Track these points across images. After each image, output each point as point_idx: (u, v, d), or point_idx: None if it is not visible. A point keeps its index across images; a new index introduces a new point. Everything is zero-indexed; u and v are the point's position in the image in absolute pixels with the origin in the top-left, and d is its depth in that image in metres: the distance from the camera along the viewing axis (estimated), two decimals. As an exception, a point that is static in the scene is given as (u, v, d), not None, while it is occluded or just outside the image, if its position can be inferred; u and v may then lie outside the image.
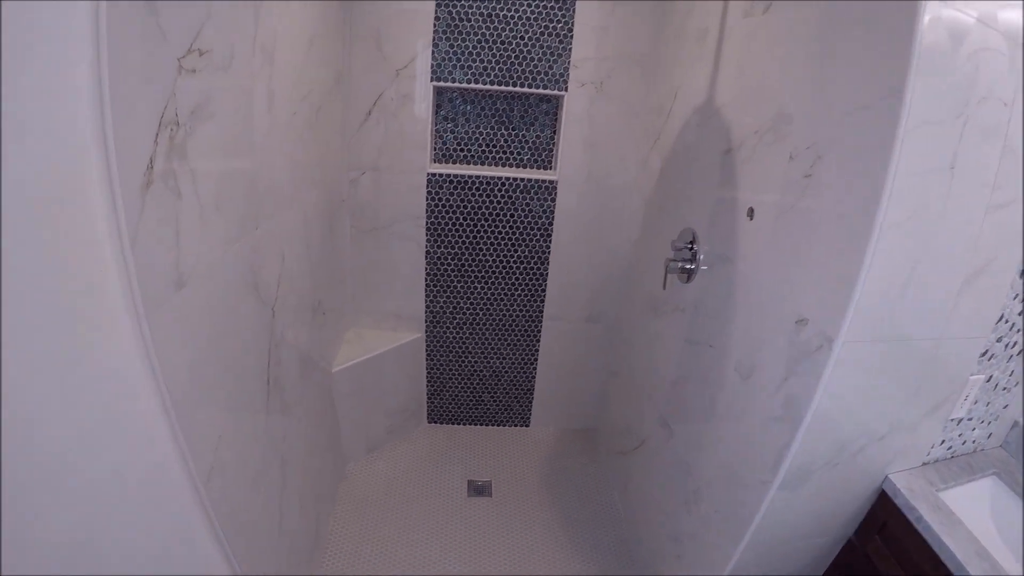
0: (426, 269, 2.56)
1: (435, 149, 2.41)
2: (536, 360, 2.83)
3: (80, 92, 0.73)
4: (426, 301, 2.63)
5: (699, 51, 1.88)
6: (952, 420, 1.48)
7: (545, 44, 2.20)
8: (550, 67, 2.23)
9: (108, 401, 0.84)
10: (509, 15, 2.15)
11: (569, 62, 2.23)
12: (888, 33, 1.04)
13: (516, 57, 2.21)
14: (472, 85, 2.24)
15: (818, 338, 1.22)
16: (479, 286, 2.62)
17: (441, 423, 2.95)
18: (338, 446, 2.43)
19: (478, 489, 2.54)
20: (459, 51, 2.18)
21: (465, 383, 2.86)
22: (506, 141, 2.42)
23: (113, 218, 0.79)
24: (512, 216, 2.48)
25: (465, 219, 2.47)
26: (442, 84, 2.23)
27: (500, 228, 2.50)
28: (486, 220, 2.48)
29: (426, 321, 2.67)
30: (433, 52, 2.18)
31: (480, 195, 2.43)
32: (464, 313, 2.68)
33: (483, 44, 2.18)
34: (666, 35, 2.19)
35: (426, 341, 2.72)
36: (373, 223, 2.44)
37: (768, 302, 1.42)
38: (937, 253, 1.17)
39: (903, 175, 1.04)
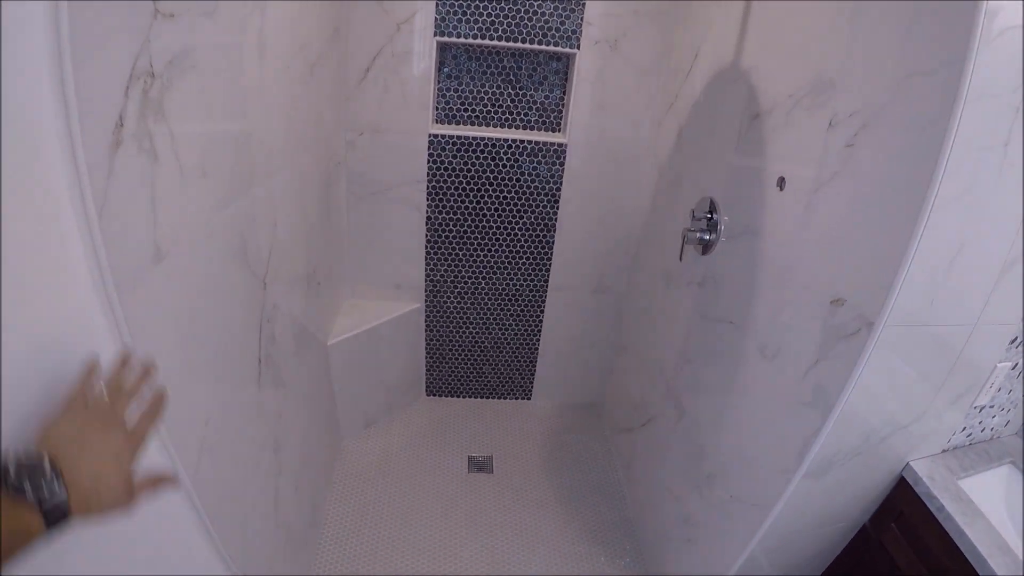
0: (427, 236, 2.46)
1: (437, 109, 2.28)
2: (539, 331, 2.76)
3: (32, 33, 0.61)
4: (426, 270, 2.54)
5: (725, 8, 1.76)
6: (975, 407, 1.44)
7: (557, -2, 2.06)
8: (562, 23, 2.10)
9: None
10: (519, -35, 2.01)
11: (582, 18, 2.10)
12: None
13: (526, 11, 2.07)
14: (478, 41, 2.11)
15: (856, 321, 1.16)
16: (482, 254, 2.53)
17: (440, 396, 2.89)
18: (334, 422, 2.38)
19: (479, 465, 2.50)
20: (465, 4, 2.04)
21: (466, 355, 2.79)
22: (513, 101, 2.30)
23: (76, 185, 0.69)
24: (518, 181, 2.38)
25: (468, 183, 2.36)
26: (446, 39, 2.09)
27: (505, 193, 2.40)
28: (490, 185, 2.37)
29: (426, 290, 2.59)
30: (437, 5, 2.04)
31: (484, 158, 2.32)
32: (466, 282, 2.59)
33: (490, -4, 2.05)
34: (689, -10, 2.06)
35: (426, 311, 2.65)
36: (371, 187, 2.33)
37: (799, 279, 1.35)
38: (984, 234, 1.10)
39: (959, 149, 0.96)
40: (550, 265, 2.59)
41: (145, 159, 0.82)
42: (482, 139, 2.28)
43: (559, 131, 2.36)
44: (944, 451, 1.49)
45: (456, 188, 2.37)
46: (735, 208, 1.65)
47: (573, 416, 2.88)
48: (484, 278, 2.59)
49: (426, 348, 2.75)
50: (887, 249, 1.08)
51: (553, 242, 2.53)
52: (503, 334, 2.75)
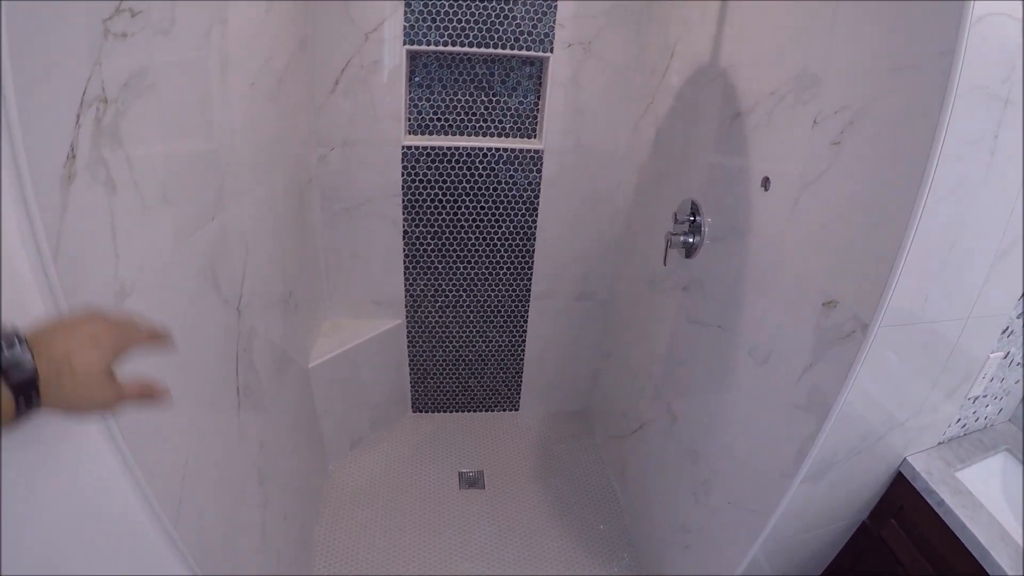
0: (404, 250, 2.42)
1: (410, 120, 2.24)
2: (524, 341, 2.73)
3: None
4: (405, 285, 2.50)
5: (700, 5, 1.74)
6: (969, 398, 1.44)
7: (528, 2, 2.03)
8: (533, 27, 2.07)
9: (47, 449, 0.71)
10: (488, -31, 1.98)
11: (555, 21, 2.07)
12: None
13: (496, 16, 2.04)
14: (448, 48, 2.07)
15: (851, 323, 1.14)
16: (462, 266, 2.49)
17: (427, 412, 2.85)
18: (319, 444, 2.32)
19: (470, 481, 2.45)
20: (434, 11, 2.01)
21: (450, 369, 2.75)
22: (486, 108, 2.26)
23: (27, 224, 0.63)
24: (495, 189, 2.34)
25: (444, 194, 2.33)
26: (416, 48, 2.05)
27: (482, 203, 2.36)
28: (467, 195, 2.34)
29: (406, 306, 2.55)
30: (406, 12, 2.00)
31: (460, 168, 2.28)
32: (446, 295, 2.55)
33: (460, 3, 2.00)
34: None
35: (407, 327, 2.60)
36: (345, 203, 2.28)
37: (788, 282, 1.33)
38: (976, 228, 1.10)
39: (951, 144, 0.95)
40: (531, 274, 2.56)
41: (102, 190, 0.77)
42: (457, 149, 2.24)
43: (535, 137, 2.33)
44: (940, 443, 1.49)
45: (432, 200, 2.33)
46: (719, 210, 1.63)
47: (563, 425, 2.85)
48: (465, 290, 2.55)
49: (410, 364, 2.70)
50: (879, 248, 1.06)
51: (533, 251, 2.50)
52: (487, 346, 2.72)
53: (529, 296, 2.61)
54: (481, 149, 2.26)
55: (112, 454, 0.79)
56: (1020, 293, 1.30)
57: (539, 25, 2.06)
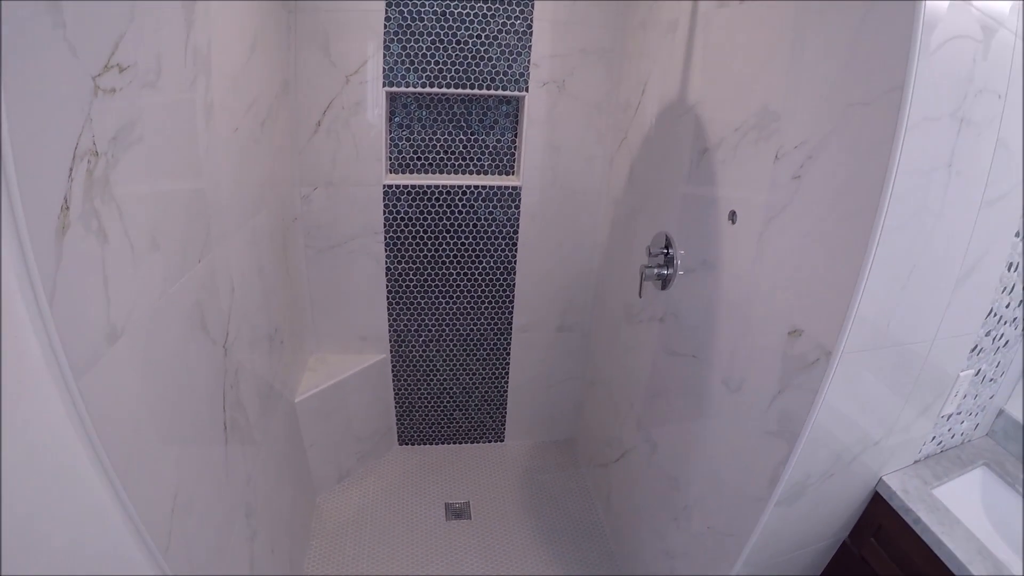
0: (387, 287, 2.45)
1: (390, 159, 2.29)
2: (507, 373, 2.76)
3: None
4: (389, 320, 2.52)
5: (669, 43, 1.79)
6: (943, 416, 1.47)
7: (503, 42, 2.10)
8: (509, 67, 2.14)
9: (42, 484, 0.73)
10: (464, 13, 2.04)
11: (529, 60, 2.14)
12: (886, 22, 0.98)
13: (473, 57, 2.10)
14: (427, 89, 2.13)
15: (814, 351, 1.16)
16: (444, 301, 2.52)
17: (413, 444, 2.85)
18: (307, 478, 2.32)
19: (456, 512, 2.45)
20: (412, 53, 2.07)
21: (435, 402, 2.76)
22: (465, 147, 2.32)
23: (25, 274, 0.67)
24: (475, 226, 2.39)
25: (426, 232, 2.37)
26: (395, 89, 2.11)
27: (463, 239, 2.41)
28: (448, 231, 2.38)
29: (390, 341, 2.57)
30: (385, 55, 2.06)
31: (440, 206, 2.33)
32: (430, 330, 2.58)
33: (437, 45, 2.07)
34: (632, 25, 2.11)
35: (392, 361, 2.62)
36: (329, 241, 2.32)
37: (756, 312, 1.36)
38: (935, 254, 1.13)
39: (904, 174, 0.98)
40: (513, 307, 2.59)
41: (94, 240, 0.80)
42: (437, 187, 2.29)
43: (513, 174, 2.38)
44: (916, 462, 1.51)
45: (414, 237, 2.37)
46: (690, 242, 1.66)
47: (548, 455, 2.86)
48: (448, 324, 2.58)
49: (395, 398, 2.71)
50: (839, 279, 1.09)
51: (514, 284, 2.54)
52: (471, 379, 2.73)
53: (511, 329, 2.64)
54: (461, 187, 2.30)
55: (103, 486, 0.82)
56: (986, 312, 1.34)
57: (514, 65, 2.13)
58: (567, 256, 2.52)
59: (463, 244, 2.41)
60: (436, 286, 2.48)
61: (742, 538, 1.41)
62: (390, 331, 2.54)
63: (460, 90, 2.14)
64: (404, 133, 2.26)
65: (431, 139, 2.28)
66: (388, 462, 2.72)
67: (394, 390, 2.69)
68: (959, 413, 1.51)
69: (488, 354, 2.68)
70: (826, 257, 1.14)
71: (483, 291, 2.53)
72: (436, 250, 2.41)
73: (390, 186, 2.26)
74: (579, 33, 2.14)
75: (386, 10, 2.00)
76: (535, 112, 2.23)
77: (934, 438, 1.50)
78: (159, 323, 1.02)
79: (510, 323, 2.62)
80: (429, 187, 2.29)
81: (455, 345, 2.63)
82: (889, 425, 1.35)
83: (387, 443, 2.78)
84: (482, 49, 2.10)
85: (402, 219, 2.32)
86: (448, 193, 2.31)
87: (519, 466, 2.77)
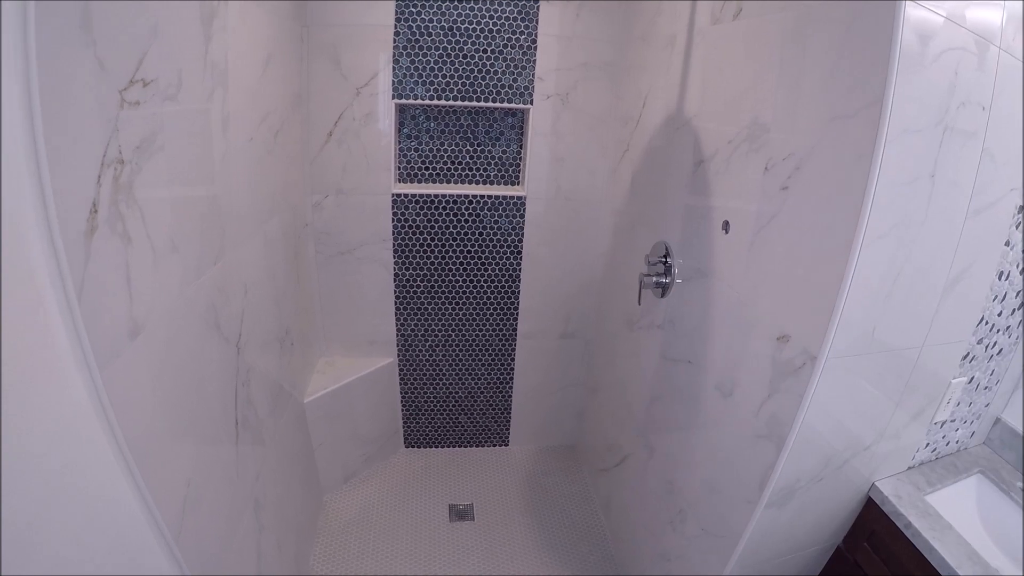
0: (395, 292, 2.50)
1: (399, 169, 2.35)
2: (512, 379, 2.80)
3: (11, 135, 0.66)
4: (397, 325, 2.57)
5: (667, 58, 1.84)
6: (936, 423, 1.48)
7: (508, 57, 2.16)
8: (514, 80, 2.20)
9: (64, 464, 0.79)
10: (471, 28, 2.11)
11: (534, 74, 2.20)
12: (865, 39, 1.02)
13: (479, 71, 2.17)
14: (435, 101, 2.19)
15: (801, 356, 1.19)
16: (450, 307, 2.57)
17: (419, 447, 2.89)
18: (314, 477, 2.37)
19: (460, 513, 2.49)
20: (420, 67, 2.14)
21: (441, 406, 2.81)
22: (472, 157, 2.38)
23: (56, 271, 0.73)
24: (481, 234, 2.44)
25: (433, 239, 2.42)
26: (404, 101, 2.18)
27: (469, 247, 2.46)
28: (454, 239, 2.44)
29: (398, 345, 2.62)
30: (394, 69, 2.13)
31: (447, 214, 2.38)
32: (436, 335, 2.63)
33: (445, 59, 2.14)
34: (633, 40, 2.16)
35: (399, 365, 2.67)
36: (339, 247, 2.38)
37: (747, 318, 1.40)
38: (919, 262, 1.15)
39: (884, 186, 1.01)
40: (517, 314, 2.63)
41: (119, 241, 0.87)
42: (444, 196, 2.35)
43: (518, 184, 2.44)
44: (910, 468, 1.52)
45: (421, 245, 2.42)
46: (687, 251, 1.70)
47: (551, 460, 2.89)
48: (454, 330, 2.63)
49: (402, 401, 2.76)
50: (823, 286, 1.12)
51: (519, 292, 2.58)
52: (476, 383, 2.78)
53: (516, 335, 2.68)
54: (467, 196, 2.36)
55: (121, 471, 0.88)
56: (977, 320, 1.36)
57: (519, 79, 2.19)
58: (570, 265, 2.57)
59: (469, 252, 2.47)
60: (443, 292, 2.53)
61: (733, 540, 1.43)
62: (398, 336, 2.59)
63: (467, 102, 2.20)
64: (412, 144, 2.32)
65: (438, 150, 2.34)
66: (394, 464, 2.76)
67: (401, 393, 2.73)
68: (953, 420, 1.52)
69: (493, 360, 2.73)
70: (812, 264, 1.17)
71: (488, 298, 2.57)
72: (443, 257, 2.46)
73: (399, 195, 2.32)
74: (582, 48, 2.20)
75: (395, 25, 2.07)
76: (539, 124, 2.28)
77: (928, 444, 1.52)
78: (176, 321, 1.08)
79: (515, 330, 2.67)
80: (436, 196, 2.34)
81: (461, 350, 2.68)
82: (880, 430, 1.36)
83: (393, 445, 2.82)
84: (488, 63, 2.16)
85: (410, 227, 2.38)
86: (455, 202, 2.36)
87: (522, 470, 2.80)
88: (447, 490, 2.63)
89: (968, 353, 1.41)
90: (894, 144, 0.99)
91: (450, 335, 2.64)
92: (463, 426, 2.88)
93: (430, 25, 2.09)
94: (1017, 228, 1.30)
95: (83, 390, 0.80)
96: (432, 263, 2.47)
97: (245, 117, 1.49)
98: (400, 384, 2.71)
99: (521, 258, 2.51)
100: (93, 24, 0.79)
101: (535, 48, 2.16)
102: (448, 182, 2.40)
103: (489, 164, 2.39)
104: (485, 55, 2.15)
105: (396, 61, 2.11)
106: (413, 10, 2.06)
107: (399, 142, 2.30)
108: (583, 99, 2.28)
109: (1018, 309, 1.45)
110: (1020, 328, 1.50)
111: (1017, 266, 1.37)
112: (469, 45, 2.13)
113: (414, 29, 2.08)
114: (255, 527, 1.51)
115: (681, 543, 1.73)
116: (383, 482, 2.64)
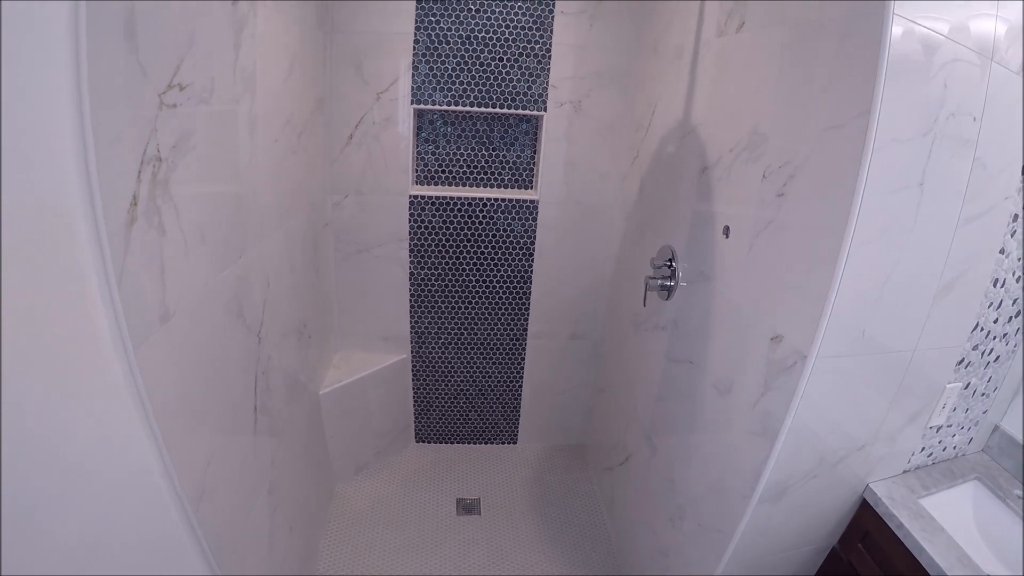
0: (410, 290, 2.57)
1: (416, 171, 2.42)
2: (522, 378, 2.85)
3: (63, 133, 0.74)
4: (411, 322, 2.64)
5: (675, 68, 1.90)
6: (931, 428, 1.50)
7: (523, 65, 2.23)
8: (529, 88, 2.26)
9: (100, 430, 0.86)
10: (487, 37, 2.18)
11: (548, 82, 2.26)
12: (856, 53, 1.06)
13: (495, 78, 2.24)
14: (452, 107, 2.26)
15: (792, 355, 1.23)
16: (463, 306, 2.64)
17: (429, 442, 2.95)
18: (327, 467, 2.43)
19: (467, 507, 2.55)
20: (438, 73, 2.21)
21: (452, 402, 2.87)
22: (487, 162, 2.44)
23: (99, 257, 0.81)
24: (494, 236, 2.50)
25: (448, 240, 2.49)
26: (422, 107, 2.25)
27: (482, 248, 2.52)
28: (468, 240, 2.50)
29: (411, 342, 2.68)
30: (413, 75, 2.20)
31: (462, 216, 2.45)
32: (449, 333, 2.69)
33: (462, 66, 2.21)
34: (644, 51, 2.22)
35: (412, 361, 2.73)
36: (357, 246, 2.45)
37: (745, 319, 1.44)
38: (909, 268, 1.18)
39: (872, 193, 1.05)
40: (528, 315, 2.69)
41: (155, 233, 0.95)
42: (459, 198, 2.42)
43: (531, 188, 2.50)
44: (905, 472, 1.54)
45: (436, 245, 2.49)
46: (691, 255, 1.74)
47: (558, 458, 2.94)
48: (467, 329, 2.69)
49: (414, 396, 2.82)
50: (814, 288, 1.16)
51: (530, 293, 2.64)
52: (487, 381, 2.83)
53: (526, 335, 2.74)
54: (482, 199, 2.43)
55: (149, 442, 0.95)
56: (971, 326, 1.38)
57: (533, 86, 2.26)
58: (581, 267, 2.62)
59: (483, 253, 2.53)
60: (456, 292, 2.60)
61: (728, 535, 1.46)
62: (411, 333, 2.66)
63: (483, 108, 2.27)
64: (430, 147, 2.39)
65: (455, 153, 2.42)
66: (405, 457, 2.83)
67: (413, 389, 2.79)
68: (949, 426, 1.54)
69: (504, 359, 2.79)
70: (804, 268, 1.20)
71: (500, 298, 2.64)
72: (457, 258, 2.53)
73: (415, 196, 2.39)
74: (595, 57, 2.26)
75: (415, 33, 2.14)
76: (553, 130, 2.35)
77: (924, 449, 1.53)
78: (203, 308, 1.16)
79: (525, 330, 2.72)
80: (452, 198, 2.41)
81: (473, 349, 2.74)
82: (873, 431, 1.39)
83: (404, 439, 2.88)
84: (504, 71, 2.23)
85: (426, 228, 2.45)
86: (470, 204, 2.43)
87: (530, 467, 2.85)
88: (455, 485, 2.68)
89: (963, 359, 1.43)
90: (882, 153, 1.03)
91: (462, 333, 2.70)
92: (473, 423, 2.93)
93: (448, 33, 2.16)
94: (1012, 236, 1.32)
95: (118, 367, 0.87)
96: (446, 263, 2.53)
97: (271, 120, 1.57)
98: (412, 380, 2.78)
99: (533, 260, 2.57)
100: (137, 32, 0.87)
101: (549, 57, 2.23)
102: (463, 185, 2.47)
103: (503, 168, 2.46)
104: (501, 63, 2.22)
105: (415, 68, 2.19)
106: (432, 19, 2.14)
107: (417, 145, 2.38)
108: (595, 107, 2.33)
109: (1015, 317, 1.47)
110: (1018, 336, 1.51)
111: (1013, 274, 1.39)
112: (486, 53, 2.20)
113: (433, 37, 2.16)
114: (269, 509, 1.58)
115: (679, 539, 1.76)
116: (393, 475, 2.70)
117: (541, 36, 2.20)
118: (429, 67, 2.20)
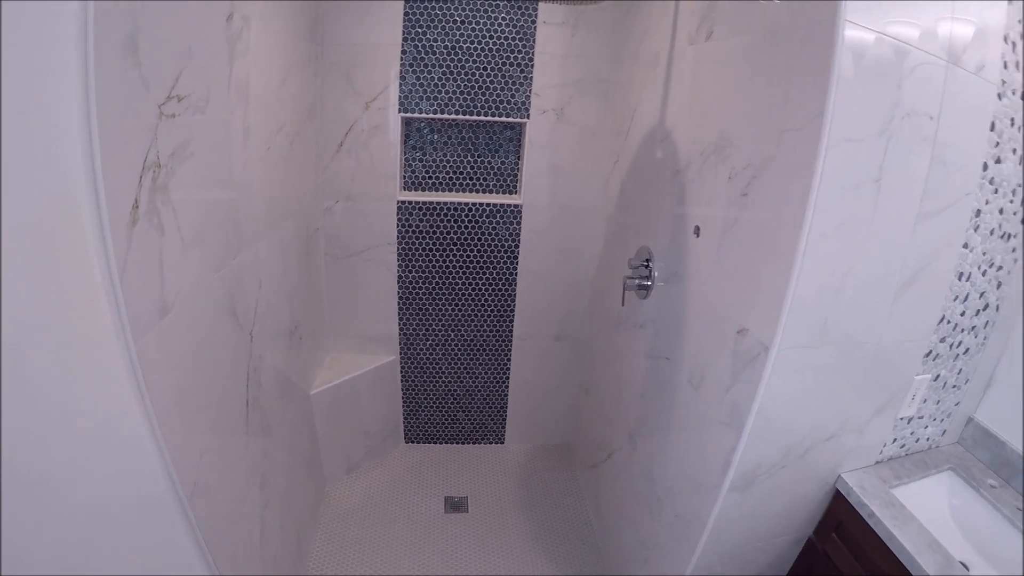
0: (399, 293, 2.62)
1: (404, 177, 2.48)
2: (508, 379, 2.90)
3: (72, 141, 0.81)
4: (399, 324, 2.68)
5: (652, 74, 1.96)
6: (902, 419, 1.54)
7: (507, 74, 2.30)
8: (512, 96, 2.33)
9: (100, 419, 0.92)
10: (472, 47, 2.25)
11: (531, 90, 2.34)
12: (812, 59, 1.10)
13: (480, 87, 2.31)
14: (438, 115, 2.33)
15: (756, 346, 1.28)
16: (450, 308, 2.69)
17: (418, 442, 2.99)
18: (318, 467, 2.47)
19: (455, 505, 2.59)
20: (425, 83, 2.28)
21: (440, 403, 2.91)
22: (472, 168, 2.50)
23: (103, 254, 0.87)
24: (480, 240, 2.56)
25: (435, 244, 2.55)
26: (410, 115, 2.32)
27: (468, 252, 2.58)
28: (455, 245, 2.56)
29: (400, 344, 2.73)
30: (400, 84, 2.27)
31: (448, 221, 2.51)
32: (437, 335, 2.74)
33: (448, 76, 2.28)
34: (623, 58, 2.28)
35: (401, 363, 2.78)
36: (347, 250, 2.51)
37: (714, 315, 1.49)
38: (869, 261, 1.23)
39: (827, 190, 1.10)
40: (513, 316, 2.74)
41: (155, 233, 1.01)
42: (446, 204, 2.48)
43: (515, 193, 2.57)
44: (877, 463, 1.57)
45: (424, 249, 2.55)
46: (667, 255, 1.80)
47: (545, 457, 2.98)
48: (454, 331, 2.74)
49: (403, 397, 2.86)
50: (775, 282, 1.21)
51: (515, 295, 2.70)
52: (474, 382, 2.88)
53: (512, 336, 2.79)
54: (467, 204, 2.49)
55: (147, 431, 1.00)
56: (937, 319, 1.42)
57: (517, 94, 2.33)
58: (564, 269, 2.68)
59: (469, 256, 2.59)
60: (443, 294, 2.65)
61: (703, 523, 1.49)
62: (400, 335, 2.71)
63: (468, 116, 2.34)
64: (417, 154, 2.46)
65: (441, 160, 2.48)
66: (394, 457, 2.87)
67: (402, 390, 2.84)
68: (921, 417, 1.57)
69: (490, 360, 2.83)
70: (766, 262, 1.26)
71: (486, 300, 2.69)
72: (444, 261, 2.58)
73: (403, 202, 2.45)
74: (577, 65, 2.33)
75: (402, 45, 2.22)
76: (536, 137, 2.42)
77: (896, 440, 1.57)
78: (199, 305, 1.22)
79: (511, 331, 2.78)
80: (439, 203, 2.48)
81: (460, 350, 2.79)
82: (842, 421, 1.42)
83: (394, 439, 2.92)
84: (488, 80, 2.30)
85: (414, 232, 2.51)
86: (456, 209, 2.49)
87: (517, 466, 2.89)
88: (444, 483, 2.72)
89: (931, 351, 1.46)
90: (835, 151, 1.08)
91: (449, 335, 2.75)
92: (461, 423, 2.97)
93: (435, 44, 2.23)
94: (976, 231, 1.37)
95: (119, 357, 0.93)
96: (434, 266, 2.59)
97: (264, 128, 1.63)
98: (402, 381, 2.82)
99: (517, 263, 2.63)
100: (139, 48, 0.93)
101: (532, 66, 2.30)
102: (450, 190, 2.52)
103: (488, 174, 2.52)
104: (485, 73, 2.29)
105: (403, 77, 2.26)
106: (419, 30, 2.21)
107: (404, 152, 2.44)
108: (577, 113, 2.40)
109: (983, 310, 1.50)
110: (987, 329, 1.54)
111: (979, 267, 1.43)
112: (471, 63, 2.27)
113: (420, 48, 2.23)
114: (260, 502, 1.62)
115: (657, 530, 1.80)
116: (383, 474, 2.74)
117: (524, 46, 2.27)
118: (416, 77, 2.26)
